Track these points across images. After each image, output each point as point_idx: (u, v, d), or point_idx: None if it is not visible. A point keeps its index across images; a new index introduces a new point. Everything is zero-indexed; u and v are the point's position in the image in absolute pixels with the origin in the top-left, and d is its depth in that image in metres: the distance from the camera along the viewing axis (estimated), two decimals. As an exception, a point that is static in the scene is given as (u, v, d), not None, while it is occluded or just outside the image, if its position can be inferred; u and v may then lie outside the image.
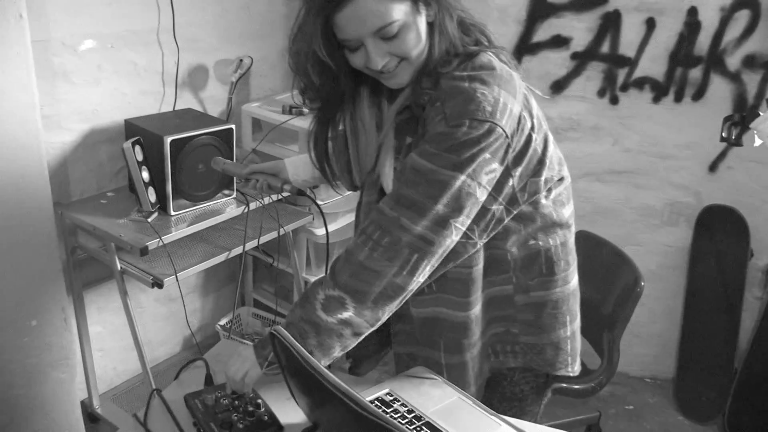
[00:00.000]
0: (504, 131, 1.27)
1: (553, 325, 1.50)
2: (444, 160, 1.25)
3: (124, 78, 2.43)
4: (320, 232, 2.73)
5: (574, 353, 1.55)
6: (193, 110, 2.57)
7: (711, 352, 2.89)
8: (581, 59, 2.68)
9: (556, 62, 2.69)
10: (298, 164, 1.72)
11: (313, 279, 2.83)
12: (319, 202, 1.82)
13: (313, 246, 2.83)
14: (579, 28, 2.65)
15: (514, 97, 1.30)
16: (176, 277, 2.18)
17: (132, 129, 2.32)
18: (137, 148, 2.21)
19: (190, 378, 1.56)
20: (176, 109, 2.59)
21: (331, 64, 1.33)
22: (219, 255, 2.33)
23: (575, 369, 1.55)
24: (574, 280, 1.53)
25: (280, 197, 2.50)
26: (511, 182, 1.35)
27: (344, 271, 1.28)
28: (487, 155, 1.26)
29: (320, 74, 1.36)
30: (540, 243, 1.44)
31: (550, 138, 1.40)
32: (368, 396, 1.50)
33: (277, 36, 2.96)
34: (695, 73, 2.63)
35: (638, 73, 2.66)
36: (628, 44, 2.63)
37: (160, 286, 2.17)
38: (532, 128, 1.34)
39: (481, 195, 1.29)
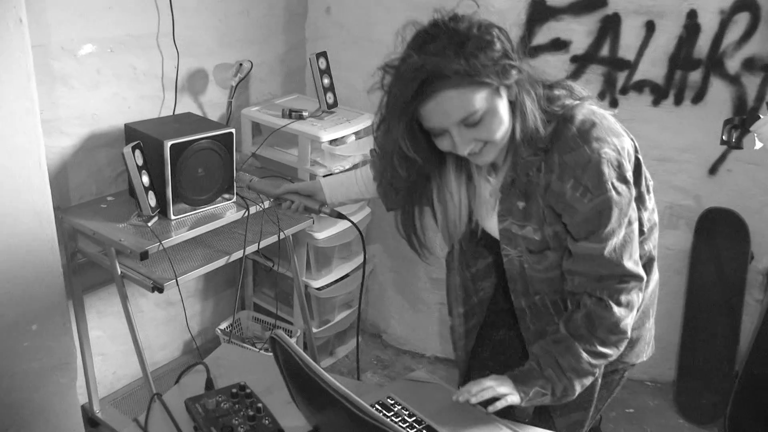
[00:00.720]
0: (631, 174, 1.39)
1: (643, 321, 1.64)
2: (617, 230, 1.38)
3: (123, 82, 2.42)
4: (320, 236, 2.74)
5: (650, 340, 1.70)
6: (192, 114, 2.57)
7: (711, 355, 2.88)
8: (581, 62, 2.68)
9: (556, 66, 2.68)
10: (334, 186, 1.76)
11: (313, 283, 2.83)
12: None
13: (313, 250, 2.82)
14: (578, 32, 2.64)
15: (621, 136, 1.39)
16: (176, 281, 2.17)
17: (132, 133, 2.31)
18: (137, 152, 2.19)
19: (190, 382, 1.56)
20: (176, 113, 2.58)
21: (417, 159, 1.39)
22: (219, 259, 2.33)
23: (648, 354, 1.71)
24: (657, 274, 1.65)
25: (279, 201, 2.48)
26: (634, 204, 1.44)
27: (601, 330, 1.44)
28: (632, 200, 1.39)
29: (407, 168, 1.43)
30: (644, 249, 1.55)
31: (638, 148, 1.47)
32: (369, 400, 1.50)
33: (276, 40, 2.95)
34: (695, 76, 2.62)
35: (638, 76, 2.65)
36: (627, 47, 2.63)
37: (161, 290, 2.16)
38: (636, 150, 1.44)
39: None
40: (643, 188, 1.48)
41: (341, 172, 2.70)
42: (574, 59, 2.68)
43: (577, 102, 1.41)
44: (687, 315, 2.91)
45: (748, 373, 2.76)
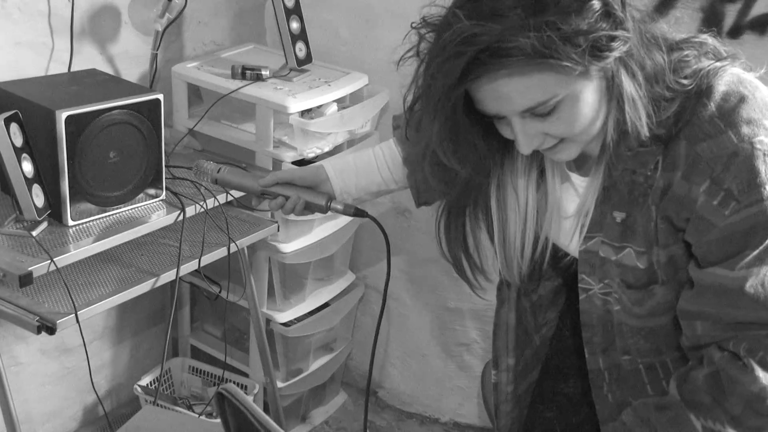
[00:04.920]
0: None
1: None
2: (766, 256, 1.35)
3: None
4: (288, 248, 2.73)
5: None
6: (99, 72, 2.54)
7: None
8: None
9: None
10: (346, 173, 1.78)
11: (278, 317, 2.85)
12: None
13: (279, 269, 2.81)
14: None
15: None
16: (76, 316, 2.12)
17: (4, 99, 2.26)
18: (14, 127, 2.13)
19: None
20: (73, 69, 2.55)
21: (459, 169, 1.43)
22: (140, 283, 2.30)
23: None
24: None
25: (230, 198, 2.48)
26: None
27: (734, 401, 1.38)
28: None
29: (446, 181, 1.50)
30: None
31: None
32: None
33: (223, -36, 2.95)
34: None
35: (761, 7, 2.49)
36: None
37: (51, 331, 2.09)
38: None
39: None
40: None
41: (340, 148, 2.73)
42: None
43: (716, 65, 1.38)
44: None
45: None
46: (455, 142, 1.38)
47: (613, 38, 1.26)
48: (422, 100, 1.36)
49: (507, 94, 1.29)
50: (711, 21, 2.53)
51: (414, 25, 1.35)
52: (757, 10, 2.50)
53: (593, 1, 1.24)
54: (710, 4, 2.54)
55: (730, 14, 2.53)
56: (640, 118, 1.33)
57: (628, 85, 1.31)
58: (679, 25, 2.49)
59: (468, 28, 1.23)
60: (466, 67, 1.25)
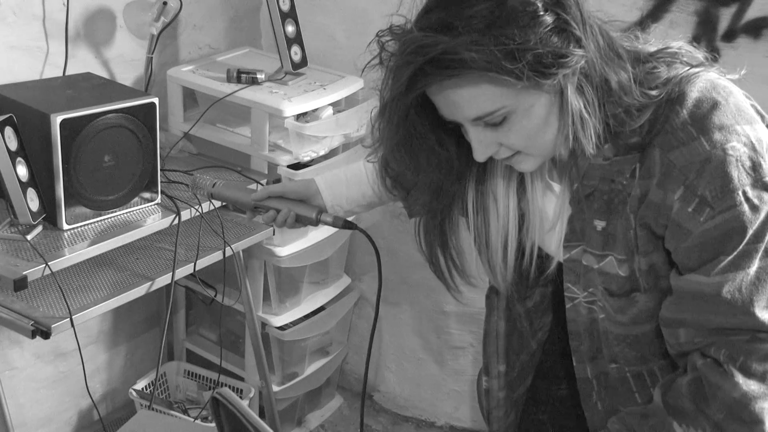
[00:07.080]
0: None
1: None
2: (747, 262, 1.33)
3: (-17, 26, 2.39)
4: (283, 252, 2.73)
5: None
6: (94, 76, 2.54)
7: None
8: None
9: (624, 4, 2.58)
10: (336, 185, 1.79)
11: (273, 320, 2.85)
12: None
13: (274, 273, 2.80)
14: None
15: (755, 122, 1.36)
16: (71, 320, 2.12)
17: (0, 102, 2.26)
18: (8, 131, 2.13)
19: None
20: (68, 73, 2.55)
21: (414, 175, 1.47)
22: (135, 287, 2.31)
23: None
24: None
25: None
26: None
27: (715, 407, 1.37)
28: None
29: (407, 188, 1.53)
30: None
31: None
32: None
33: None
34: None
35: (755, 11, 2.48)
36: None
37: (46, 335, 2.10)
38: None
39: None
40: None
41: (323, 160, 2.71)
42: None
43: (690, 71, 1.37)
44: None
45: None
46: (408, 148, 1.40)
47: (562, 55, 1.26)
48: (378, 109, 1.39)
49: (456, 102, 1.31)
50: (706, 25, 2.53)
51: (379, 33, 1.36)
52: (751, 14, 2.51)
53: (545, 17, 1.24)
54: (705, 8, 2.53)
55: (725, 18, 2.53)
56: (586, 136, 1.33)
57: (576, 102, 1.32)
58: (674, 28, 2.53)
59: (418, 38, 1.26)
60: (413, 76, 1.27)
